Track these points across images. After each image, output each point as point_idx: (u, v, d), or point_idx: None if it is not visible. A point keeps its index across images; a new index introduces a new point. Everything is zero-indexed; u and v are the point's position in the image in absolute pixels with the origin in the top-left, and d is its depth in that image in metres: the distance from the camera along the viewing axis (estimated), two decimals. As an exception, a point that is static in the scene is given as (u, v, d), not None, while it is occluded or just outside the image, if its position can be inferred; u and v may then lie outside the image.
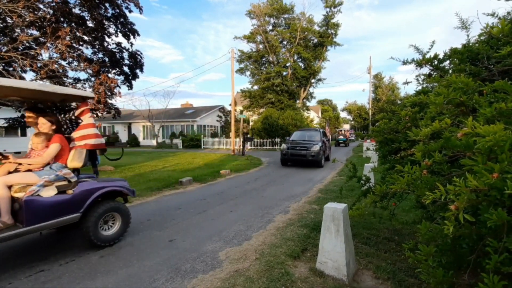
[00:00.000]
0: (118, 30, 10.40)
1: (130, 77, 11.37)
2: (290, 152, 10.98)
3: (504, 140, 1.04)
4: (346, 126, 58.45)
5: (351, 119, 61.91)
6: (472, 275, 2.03)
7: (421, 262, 1.52)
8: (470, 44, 2.87)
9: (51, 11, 8.44)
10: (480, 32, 2.22)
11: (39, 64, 7.89)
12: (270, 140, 22.55)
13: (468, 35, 2.97)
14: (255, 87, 27.23)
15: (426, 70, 2.82)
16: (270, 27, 27.51)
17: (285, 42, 27.40)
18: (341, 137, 28.84)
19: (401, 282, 2.51)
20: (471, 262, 1.52)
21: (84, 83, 10.41)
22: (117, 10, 9.92)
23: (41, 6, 8.31)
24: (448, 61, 2.76)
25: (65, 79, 9.60)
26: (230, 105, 25.91)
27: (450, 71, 2.66)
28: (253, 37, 26.91)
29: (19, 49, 8.13)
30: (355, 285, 2.51)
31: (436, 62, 2.67)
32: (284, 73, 26.19)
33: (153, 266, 2.90)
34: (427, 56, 2.64)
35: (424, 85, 2.87)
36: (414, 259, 1.57)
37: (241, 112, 27.57)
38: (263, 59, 27.79)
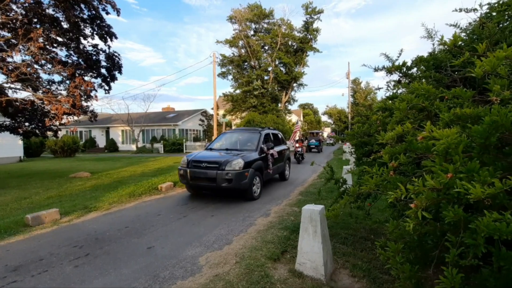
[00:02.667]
0: (95, 32, 10.08)
1: (108, 79, 11.04)
2: (190, 172, 5.89)
3: (457, 143, 1.13)
4: (327, 130, 59.76)
5: (332, 122, 63.46)
6: (438, 269, 2.15)
7: (390, 258, 1.60)
8: (436, 52, 3.07)
9: (23, 12, 8.07)
10: (437, 43, 2.38)
11: (9, 67, 7.49)
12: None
13: (433, 44, 3.18)
14: (238, 91, 27.30)
15: (396, 76, 2.98)
16: (252, 32, 27.77)
17: (266, 47, 27.74)
18: (312, 141, 22.78)
19: (375, 279, 2.61)
20: (435, 257, 1.62)
21: (59, 86, 10.00)
22: (93, 12, 9.63)
23: (14, 7, 7.92)
24: (415, 68, 2.94)
25: (37, 82, 9.17)
26: (212, 109, 25.79)
27: (418, 78, 2.83)
28: (234, 42, 27.03)
29: (-13, 51, 7.68)
30: (332, 284, 2.58)
31: (404, 69, 2.83)
32: (266, 77, 26.48)
33: (130, 274, 2.83)
34: (396, 63, 2.80)
35: (394, 91, 3.03)
36: (385, 256, 1.65)
37: (224, 116, 27.51)
38: (245, 64, 27.95)
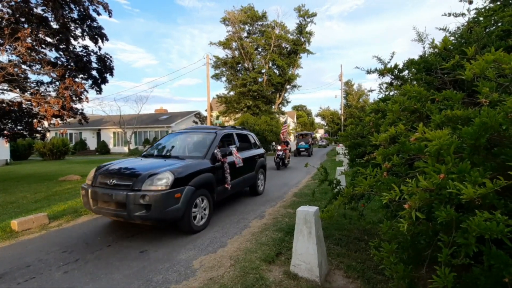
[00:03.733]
0: (85, 33, 9.92)
1: (99, 81, 10.86)
2: (92, 192, 4.01)
3: (448, 144, 1.15)
4: (321, 131, 60.24)
5: (325, 124, 64.03)
6: (430, 268, 2.18)
7: (384, 259, 1.62)
8: (426, 55, 3.14)
9: (10, 11, 7.88)
10: (428, 46, 2.44)
11: (-5, 67, 7.30)
12: (246, 145, 22.62)
13: (424, 47, 3.25)
14: (231, 93, 27.29)
15: (388, 78, 3.03)
16: (245, 34, 27.85)
17: (260, 49, 27.84)
18: (302, 143, 20.62)
19: (369, 279, 2.63)
20: (427, 257, 1.64)
21: (48, 87, 9.79)
22: (84, 12, 9.48)
23: None
24: (407, 71, 2.99)
25: (25, 83, 8.96)
26: (206, 110, 25.68)
27: (409, 80, 2.89)
28: (228, 44, 27.05)
29: (-28, 51, 7.47)
30: (327, 285, 2.59)
31: (396, 72, 2.87)
32: (260, 79, 26.56)
33: (122, 279, 2.77)
34: (388, 66, 2.84)
35: (387, 93, 3.08)
36: (379, 256, 1.66)
37: (217, 117, 27.44)
38: (239, 66, 27.99)
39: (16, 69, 7.66)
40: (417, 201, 1.21)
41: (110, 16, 9.88)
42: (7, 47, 7.74)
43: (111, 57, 10.71)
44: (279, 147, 12.72)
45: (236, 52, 27.21)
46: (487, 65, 1.41)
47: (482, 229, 1.16)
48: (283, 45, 27.76)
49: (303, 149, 20.50)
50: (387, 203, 1.92)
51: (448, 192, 1.24)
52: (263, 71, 26.66)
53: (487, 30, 2.63)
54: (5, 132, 9.63)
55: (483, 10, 2.74)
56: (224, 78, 28.32)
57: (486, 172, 1.25)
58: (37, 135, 10.51)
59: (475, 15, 2.82)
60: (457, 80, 2.49)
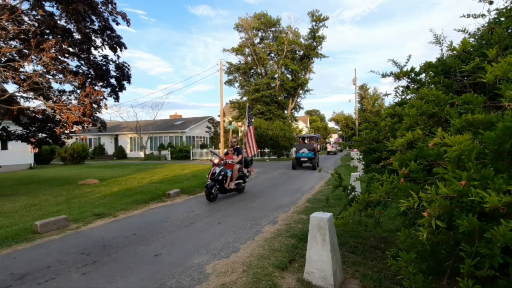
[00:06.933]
0: (105, 43, 10.35)
1: (117, 89, 11.26)
2: None
3: (470, 149, 1.11)
4: (334, 136, 59.35)
5: (339, 129, 63.11)
6: (452, 280, 2.08)
7: (402, 268, 1.56)
8: (444, 58, 3.04)
9: (36, 24, 8.36)
10: (446, 48, 2.37)
11: (22, 76, 7.72)
12: (259, 150, 22.69)
13: (441, 50, 3.15)
14: (244, 98, 27.52)
15: (404, 82, 2.96)
16: (258, 40, 28.17)
17: (272, 55, 28.03)
18: (304, 151, 14.90)
19: (387, 290, 2.53)
20: (449, 267, 1.57)
21: (70, 95, 10.24)
22: (104, 23, 9.90)
23: (26, 18, 8.23)
24: (424, 74, 2.91)
25: (49, 91, 9.41)
26: (219, 116, 25.96)
27: (427, 84, 2.80)
28: (241, 50, 27.43)
29: (1, 61, 7.95)
30: (342, 294, 2.52)
31: (413, 75, 2.81)
32: (272, 85, 26.67)
33: (137, 282, 2.82)
34: (404, 69, 2.78)
35: (403, 97, 3.00)
36: (396, 266, 1.60)
37: (230, 123, 27.65)
38: (252, 71, 28.26)
39: (40, 78, 8.07)
40: (437, 209, 1.16)
41: (128, 25, 10.27)
42: (33, 57, 8.18)
43: (128, 65, 11.09)
44: (216, 161, 7.21)
45: (249, 58, 27.51)
46: (510, 67, 1.35)
47: (507, 239, 1.10)
48: (296, 50, 27.81)
49: (305, 159, 14.69)
50: (405, 210, 1.85)
51: (470, 200, 1.19)
52: (276, 76, 26.76)
53: (509, 30, 2.52)
54: (32, 139, 10.12)
55: (504, 10, 2.64)
56: (237, 84, 28.69)
57: (511, 179, 1.19)
58: (63, 140, 10.99)
59: (495, 16, 2.71)
60: (478, 83, 2.40)
